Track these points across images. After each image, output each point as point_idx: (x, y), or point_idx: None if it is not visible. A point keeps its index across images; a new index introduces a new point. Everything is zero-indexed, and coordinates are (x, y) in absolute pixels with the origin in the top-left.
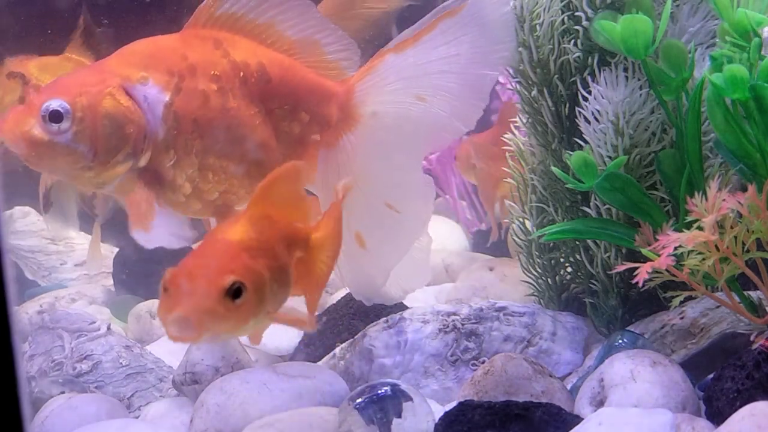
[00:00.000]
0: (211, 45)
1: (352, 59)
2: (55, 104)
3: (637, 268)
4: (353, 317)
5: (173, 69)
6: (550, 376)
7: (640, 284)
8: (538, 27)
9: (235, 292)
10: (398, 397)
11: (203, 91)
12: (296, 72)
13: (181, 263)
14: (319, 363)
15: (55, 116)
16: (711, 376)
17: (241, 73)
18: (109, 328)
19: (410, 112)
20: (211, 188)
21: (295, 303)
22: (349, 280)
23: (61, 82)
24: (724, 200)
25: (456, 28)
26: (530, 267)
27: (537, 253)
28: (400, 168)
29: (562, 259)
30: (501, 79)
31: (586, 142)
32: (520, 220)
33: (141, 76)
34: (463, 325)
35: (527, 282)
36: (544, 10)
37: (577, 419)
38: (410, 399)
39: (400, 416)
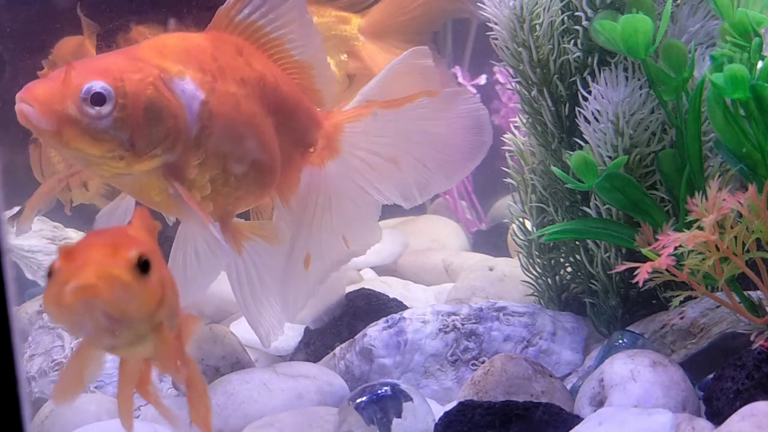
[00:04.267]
0: (234, 50)
1: (331, 92)
2: (98, 86)
3: (637, 268)
4: (353, 317)
5: (206, 68)
6: (550, 376)
7: (640, 284)
8: (538, 27)
9: (142, 265)
10: (398, 397)
11: (234, 94)
12: (295, 92)
13: (71, 245)
14: (319, 363)
15: (98, 99)
16: (711, 376)
17: (262, 83)
18: None
19: (380, 168)
20: (228, 192)
21: None
22: (285, 299)
23: (98, 63)
24: (724, 200)
25: (433, 107)
26: (530, 267)
27: (537, 253)
28: (360, 209)
29: (562, 259)
30: (501, 79)
31: (586, 142)
32: (520, 220)
33: (179, 70)
34: (463, 325)
35: (527, 282)
36: (544, 10)
37: (577, 419)
38: (410, 399)
39: (400, 416)
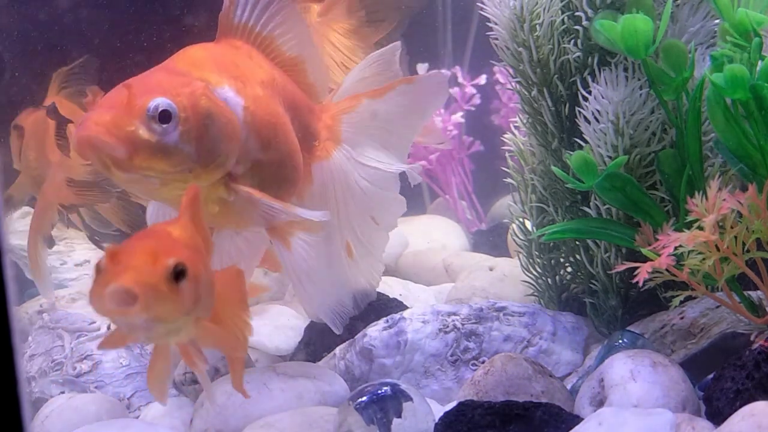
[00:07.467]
0: (246, 55)
1: (324, 84)
2: (164, 103)
3: (637, 268)
4: (353, 317)
5: (234, 75)
6: (550, 376)
7: (640, 284)
8: (538, 27)
9: (177, 274)
10: (398, 397)
11: (262, 97)
12: (296, 89)
13: (118, 247)
14: (319, 363)
15: (164, 116)
16: (711, 376)
17: (274, 83)
18: (109, 328)
19: (375, 150)
20: (271, 193)
21: None
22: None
23: (151, 81)
24: (724, 200)
25: (410, 94)
26: (530, 267)
27: (537, 253)
28: (379, 185)
29: (562, 259)
30: (501, 79)
31: (586, 142)
32: (520, 220)
33: (218, 80)
34: (463, 325)
35: (527, 282)
36: (544, 10)
37: (577, 419)
38: (410, 399)
39: (400, 416)
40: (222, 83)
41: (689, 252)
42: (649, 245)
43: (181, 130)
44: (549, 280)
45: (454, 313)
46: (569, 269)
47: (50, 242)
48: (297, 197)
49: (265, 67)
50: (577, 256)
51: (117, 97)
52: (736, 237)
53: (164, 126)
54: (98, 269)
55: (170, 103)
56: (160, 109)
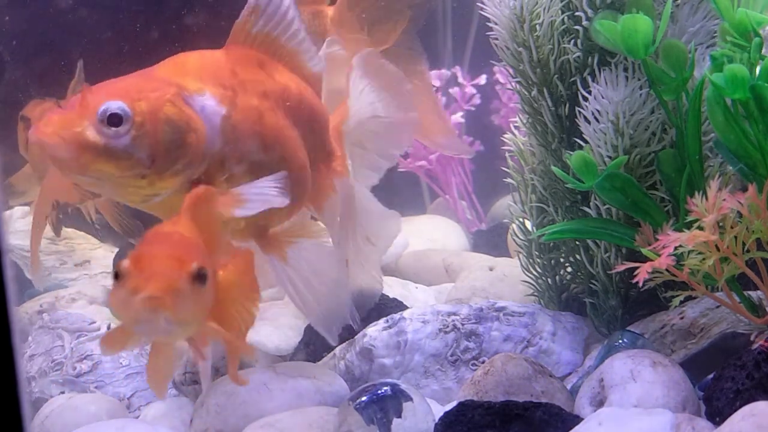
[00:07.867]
0: (255, 64)
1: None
2: (114, 106)
3: (637, 268)
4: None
5: (226, 83)
6: (550, 376)
7: (640, 284)
8: (538, 27)
9: (199, 278)
10: (398, 397)
11: (257, 107)
12: (318, 102)
13: (138, 251)
14: (319, 363)
15: (114, 119)
16: (711, 376)
17: (285, 95)
18: (108, 328)
19: (371, 154)
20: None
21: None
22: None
23: (115, 85)
24: (724, 200)
25: (361, 80)
26: (530, 267)
27: (537, 253)
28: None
29: (562, 259)
30: (501, 79)
31: (586, 142)
32: (520, 220)
33: (198, 87)
34: (463, 325)
35: (527, 282)
36: (544, 10)
37: (577, 419)
38: (410, 399)
39: (400, 416)
40: (202, 90)
41: (689, 252)
42: (649, 245)
43: (133, 134)
44: (549, 280)
45: (454, 313)
46: (569, 269)
47: (58, 230)
48: (318, 211)
49: (277, 78)
50: (577, 256)
51: (76, 99)
52: (736, 237)
53: (114, 129)
54: (120, 274)
55: (123, 107)
56: (109, 113)
